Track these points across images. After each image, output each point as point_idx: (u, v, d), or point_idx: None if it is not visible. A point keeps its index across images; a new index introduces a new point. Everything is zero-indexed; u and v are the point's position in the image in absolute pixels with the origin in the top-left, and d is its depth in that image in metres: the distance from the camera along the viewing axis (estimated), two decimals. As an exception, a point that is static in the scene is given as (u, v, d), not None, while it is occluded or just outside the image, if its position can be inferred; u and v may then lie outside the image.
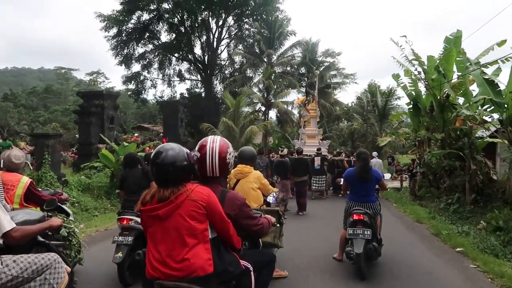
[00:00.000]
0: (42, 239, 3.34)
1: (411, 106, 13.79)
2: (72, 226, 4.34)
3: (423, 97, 12.79)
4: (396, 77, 13.89)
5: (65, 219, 4.33)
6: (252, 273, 2.54)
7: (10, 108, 50.89)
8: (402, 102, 32.96)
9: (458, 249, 6.25)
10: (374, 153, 16.07)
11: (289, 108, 34.53)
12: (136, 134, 20.59)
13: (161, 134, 24.34)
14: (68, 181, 6.98)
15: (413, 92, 13.32)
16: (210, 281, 2.24)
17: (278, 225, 4.39)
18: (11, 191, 3.98)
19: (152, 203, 2.31)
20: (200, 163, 2.55)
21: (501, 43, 10.50)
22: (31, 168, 8.73)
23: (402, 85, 13.67)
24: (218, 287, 2.33)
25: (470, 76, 9.90)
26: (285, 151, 12.46)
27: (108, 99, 14.77)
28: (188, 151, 2.45)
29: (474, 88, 10.61)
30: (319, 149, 14.62)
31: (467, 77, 10.10)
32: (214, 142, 2.61)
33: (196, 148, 2.61)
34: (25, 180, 4.16)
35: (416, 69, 12.08)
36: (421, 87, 12.87)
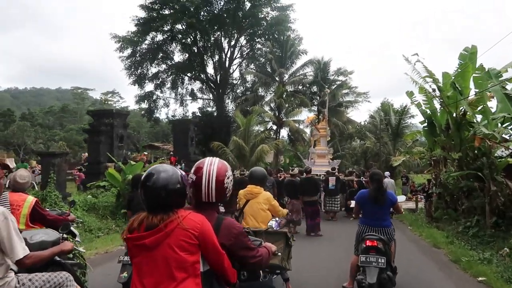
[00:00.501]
0: (58, 259, 3.40)
1: (425, 124, 13.36)
2: (79, 247, 4.35)
3: (438, 115, 12.37)
4: (410, 94, 13.55)
5: (71, 240, 4.30)
6: None
7: (27, 127, 51.89)
8: (416, 120, 32.40)
9: (480, 278, 5.78)
10: (386, 173, 15.63)
11: (301, 126, 34.28)
12: (145, 153, 20.50)
13: (171, 153, 24.27)
14: (75, 202, 6.80)
15: (427, 110, 12.92)
16: None
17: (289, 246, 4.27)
18: (17, 211, 3.95)
19: (140, 230, 2.05)
20: (195, 187, 2.31)
21: (520, 59, 10.12)
22: (36, 187, 8.58)
23: (416, 102, 13.29)
24: None
25: (489, 92, 9.52)
26: (296, 170, 12.27)
27: (118, 117, 14.77)
28: (183, 173, 2.23)
29: (493, 106, 10.22)
30: (333, 169, 14.24)
31: (485, 93, 9.72)
32: (211, 164, 2.35)
33: (192, 171, 2.37)
34: (31, 199, 4.13)
35: (430, 86, 11.75)
36: (436, 104, 12.48)
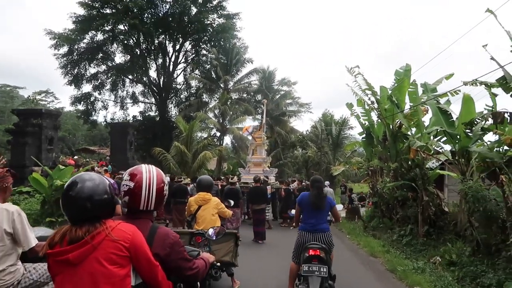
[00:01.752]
0: None
1: (364, 135, 13.85)
2: None
3: (376, 126, 12.88)
4: (349, 106, 13.98)
5: None
6: None
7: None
8: (355, 131, 33.88)
9: (415, 287, 5.92)
10: (326, 182, 15.64)
11: (244, 134, 34.36)
12: (76, 157, 19.15)
13: (107, 157, 23.02)
14: None
15: (366, 122, 13.40)
16: None
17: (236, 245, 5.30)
18: None
19: (62, 245, 1.83)
20: (132, 195, 2.15)
21: (449, 76, 10.80)
22: None
23: (355, 114, 13.74)
24: None
25: (422, 106, 10.00)
26: (235, 178, 12.52)
27: (48, 118, 13.60)
28: (112, 181, 2.13)
29: (425, 120, 10.78)
30: (267, 177, 14.37)
31: (419, 107, 10.22)
32: (150, 171, 2.22)
33: (127, 178, 2.19)
34: None
35: (369, 99, 12.18)
36: (374, 116, 12.98)
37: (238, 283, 5.79)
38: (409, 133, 11.23)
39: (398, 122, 11.44)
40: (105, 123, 38.89)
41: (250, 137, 20.66)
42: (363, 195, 23.36)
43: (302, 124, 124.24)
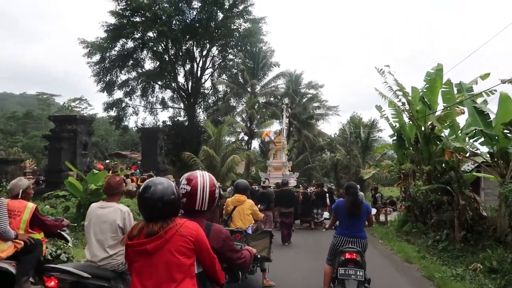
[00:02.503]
0: None
1: (395, 138, 13.51)
2: (72, 252, 4.86)
3: (407, 128, 12.53)
4: (379, 108, 13.70)
5: (64, 245, 4.82)
6: None
7: (-7, 134, 49.46)
8: (385, 134, 33.17)
9: (454, 295, 5.69)
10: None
11: (272, 138, 34.35)
12: (107, 161, 19.72)
13: (138, 162, 23.52)
14: (69, 208, 7.62)
15: (396, 124, 13.08)
16: None
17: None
18: (18, 217, 4.22)
19: (140, 237, 2.23)
20: (188, 197, 2.50)
21: (485, 76, 10.40)
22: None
23: (385, 116, 13.45)
24: None
25: (458, 108, 9.65)
26: (267, 182, 12.49)
27: (82, 123, 14.06)
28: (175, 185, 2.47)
29: (460, 121, 10.40)
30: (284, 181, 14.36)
31: (454, 108, 9.87)
32: (204, 176, 2.58)
33: (184, 182, 2.55)
34: (31, 206, 4.38)
35: (400, 100, 11.87)
36: (405, 118, 12.64)
37: (272, 283, 6.11)
38: (442, 134, 10.86)
39: (431, 124, 11.09)
40: (136, 128, 39.87)
41: (267, 140, 20.86)
42: (393, 199, 22.80)
43: (330, 127, 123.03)
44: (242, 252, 2.70)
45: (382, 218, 15.91)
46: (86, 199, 9.80)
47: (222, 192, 10.72)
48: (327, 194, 15.40)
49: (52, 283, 3.25)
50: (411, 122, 12.15)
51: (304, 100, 36.96)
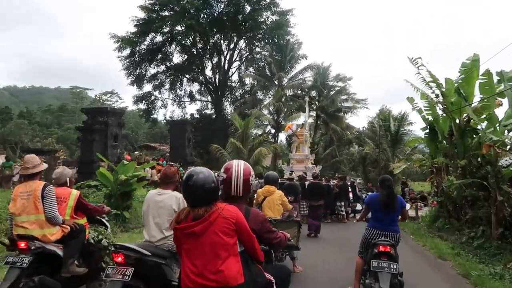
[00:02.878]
0: None
1: (427, 131, 13.04)
2: (111, 238, 5.19)
3: (441, 121, 12.05)
4: (410, 100, 13.23)
5: (105, 231, 5.10)
6: (274, 285, 2.76)
7: (25, 125, 51.59)
8: (415, 127, 32.23)
9: (493, 295, 5.41)
10: None
11: (288, 132, 34.14)
12: (136, 152, 20.11)
13: (167, 154, 23.88)
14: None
15: (429, 117, 12.61)
16: None
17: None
18: (64, 204, 4.47)
19: (187, 221, 2.49)
20: (225, 184, 2.82)
21: (526, 65, 9.84)
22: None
23: (417, 108, 12.98)
24: None
25: (496, 99, 9.20)
26: (293, 174, 12.48)
27: (113, 116, 14.37)
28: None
29: (499, 113, 9.90)
30: (305, 174, 14.70)
31: (493, 100, 9.40)
32: (238, 165, 2.88)
33: (222, 171, 2.88)
34: (75, 192, 4.67)
35: (433, 92, 11.43)
36: (438, 111, 12.16)
37: (300, 269, 6.44)
38: (478, 127, 10.39)
39: (466, 116, 10.62)
40: (164, 121, 40.50)
41: (291, 133, 20.91)
42: (424, 194, 22.16)
43: (359, 120, 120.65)
44: (277, 233, 3.00)
45: (411, 213, 15.56)
46: (116, 189, 10.03)
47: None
48: (349, 188, 15.33)
49: (120, 259, 3.62)
50: (445, 115, 11.68)
51: (332, 93, 36.38)
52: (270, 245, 3.00)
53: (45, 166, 4.56)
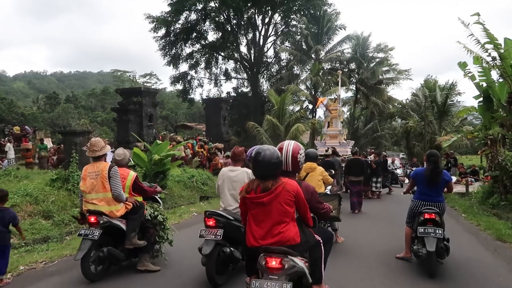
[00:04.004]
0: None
1: (481, 99, 11.89)
2: (165, 214, 5.71)
3: (497, 88, 10.90)
4: (462, 66, 12.06)
5: (159, 208, 5.60)
6: (321, 244, 3.29)
7: (71, 109, 53.94)
8: (465, 98, 30.13)
9: None
10: None
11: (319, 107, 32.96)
12: (164, 133, 20.13)
13: (203, 132, 23.83)
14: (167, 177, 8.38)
15: (483, 83, 11.45)
16: (297, 248, 3.02)
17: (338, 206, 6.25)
18: (123, 182, 4.90)
19: (256, 192, 3.04)
20: None
21: None
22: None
23: (469, 75, 11.82)
24: (301, 253, 3.06)
25: None
26: (330, 151, 12.35)
27: (147, 96, 14.25)
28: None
29: None
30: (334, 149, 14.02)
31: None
32: (289, 145, 3.40)
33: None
34: (132, 174, 5.13)
35: (489, 54, 10.27)
36: (494, 76, 11.00)
37: (342, 239, 6.74)
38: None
39: (528, 81, 9.48)
40: (201, 100, 40.57)
41: (323, 110, 20.08)
42: (475, 168, 20.76)
43: (402, 92, 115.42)
44: (324, 204, 3.46)
45: (461, 188, 14.54)
46: (150, 169, 9.92)
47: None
48: (388, 163, 15.24)
49: (211, 222, 4.43)
50: (502, 80, 10.53)
51: (372, 64, 34.68)
52: (317, 214, 3.43)
53: (108, 148, 4.99)
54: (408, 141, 32.11)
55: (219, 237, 4.31)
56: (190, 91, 37.49)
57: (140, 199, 5.15)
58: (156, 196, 5.88)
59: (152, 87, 70.69)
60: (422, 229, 4.91)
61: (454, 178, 6.47)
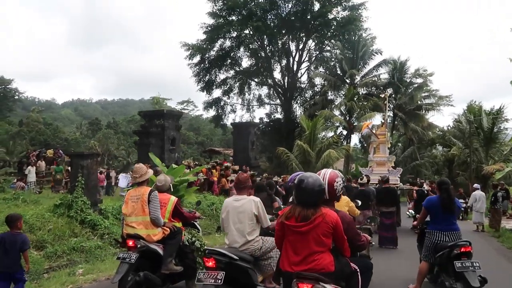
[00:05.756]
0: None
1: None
2: (203, 240, 5.70)
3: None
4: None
5: (197, 234, 5.65)
6: (359, 274, 3.32)
7: (111, 134, 55.96)
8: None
9: None
10: (476, 185, 14.45)
11: (364, 132, 31.57)
12: (189, 160, 19.79)
13: (231, 158, 23.35)
14: (201, 202, 7.85)
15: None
16: (331, 276, 3.05)
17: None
18: (164, 208, 4.99)
19: (297, 220, 3.12)
20: None
21: None
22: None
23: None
24: (335, 282, 3.07)
25: None
26: (365, 179, 11.30)
27: (170, 118, 14.00)
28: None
29: None
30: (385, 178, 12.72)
31: None
32: (325, 173, 3.52)
33: None
34: (173, 199, 5.19)
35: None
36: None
37: None
38: None
39: None
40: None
41: (366, 133, 18.85)
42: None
43: (443, 119, 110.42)
44: (362, 236, 3.49)
45: (505, 223, 13.05)
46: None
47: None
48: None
49: (211, 263, 3.88)
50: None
51: (410, 89, 33.26)
52: (353, 245, 3.35)
53: (150, 172, 5.12)
54: (451, 170, 30.00)
55: (219, 281, 3.76)
56: (223, 116, 37.57)
57: (179, 224, 5.21)
58: (195, 222, 5.96)
59: (190, 113, 72.17)
60: (459, 264, 4.70)
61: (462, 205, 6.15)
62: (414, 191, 13.31)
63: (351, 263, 3.28)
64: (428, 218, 5.46)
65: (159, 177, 5.43)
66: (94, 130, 62.15)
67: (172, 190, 5.41)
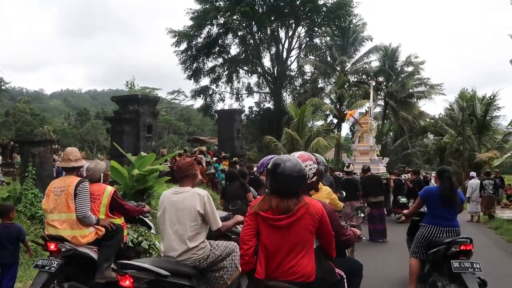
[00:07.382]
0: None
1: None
2: (154, 239, 4.78)
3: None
4: None
5: (146, 232, 4.78)
6: (345, 280, 2.78)
7: (100, 125, 54.84)
8: (506, 111, 27.30)
9: None
10: (472, 173, 14.06)
11: (349, 120, 30.96)
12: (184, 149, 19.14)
13: (216, 147, 22.57)
14: (151, 194, 6.95)
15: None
16: (311, 287, 2.49)
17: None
18: (98, 201, 4.11)
19: (275, 213, 2.50)
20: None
21: None
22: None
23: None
24: None
25: None
26: (351, 167, 10.55)
27: (146, 104, 13.05)
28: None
29: None
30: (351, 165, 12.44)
31: None
32: (294, 155, 2.90)
33: (312, 162, 3.05)
34: (110, 189, 4.24)
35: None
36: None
37: None
38: None
39: None
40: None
41: (352, 121, 18.36)
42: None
43: (434, 107, 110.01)
44: (347, 230, 2.98)
45: (507, 213, 12.47)
46: (131, 186, 8.53)
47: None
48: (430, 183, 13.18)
49: (127, 282, 2.88)
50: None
51: (401, 77, 32.56)
52: (338, 241, 2.76)
53: (83, 162, 4.20)
54: (443, 159, 29.50)
55: None
56: (212, 105, 36.70)
57: (119, 221, 4.30)
58: (144, 218, 5.00)
59: (181, 104, 70.94)
60: (457, 264, 4.09)
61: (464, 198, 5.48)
62: (392, 181, 13.20)
63: (335, 269, 2.72)
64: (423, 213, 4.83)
65: (88, 164, 4.48)
66: (82, 121, 61.06)
67: (102, 180, 4.30)
